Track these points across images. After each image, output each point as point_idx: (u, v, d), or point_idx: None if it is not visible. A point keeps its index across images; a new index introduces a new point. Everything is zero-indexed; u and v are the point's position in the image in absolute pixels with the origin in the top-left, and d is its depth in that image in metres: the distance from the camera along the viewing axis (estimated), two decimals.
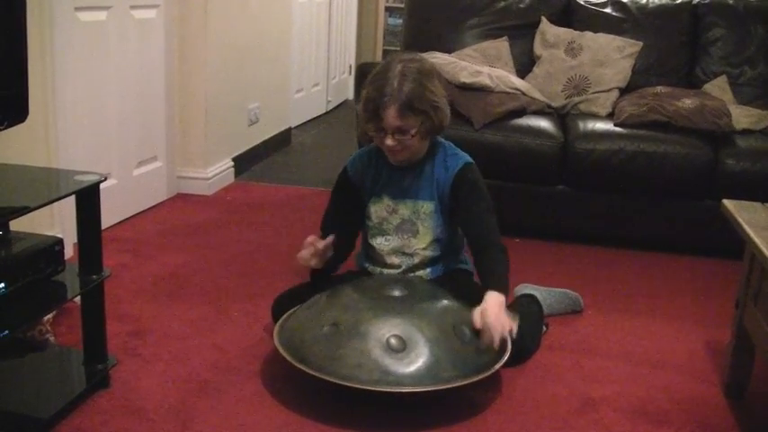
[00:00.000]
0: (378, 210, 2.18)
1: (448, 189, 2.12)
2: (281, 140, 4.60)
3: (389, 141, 2.03)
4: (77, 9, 2.70)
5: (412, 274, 2.16)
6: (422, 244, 2.16)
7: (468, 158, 2.17)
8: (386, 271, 2.18)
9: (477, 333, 1.92)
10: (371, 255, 2.22)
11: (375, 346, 1.81)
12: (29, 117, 1.78)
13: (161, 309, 2.37)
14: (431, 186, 2.14)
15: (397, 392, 1.78)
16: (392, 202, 2.17)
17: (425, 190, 2.14)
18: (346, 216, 2.23)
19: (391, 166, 2.16)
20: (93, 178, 1.80)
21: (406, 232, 2.16)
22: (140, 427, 1.76)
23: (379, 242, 2.18)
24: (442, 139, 2.19)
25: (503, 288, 1.98)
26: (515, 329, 1.95)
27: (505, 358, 1.92)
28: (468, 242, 2.16)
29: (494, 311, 1.90)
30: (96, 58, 2.84)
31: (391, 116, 1.99)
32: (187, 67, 3.44)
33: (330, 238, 2.10)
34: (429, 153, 2.14)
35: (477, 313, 1.92)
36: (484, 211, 2.11)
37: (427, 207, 2.14)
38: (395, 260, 2.17)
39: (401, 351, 1.81)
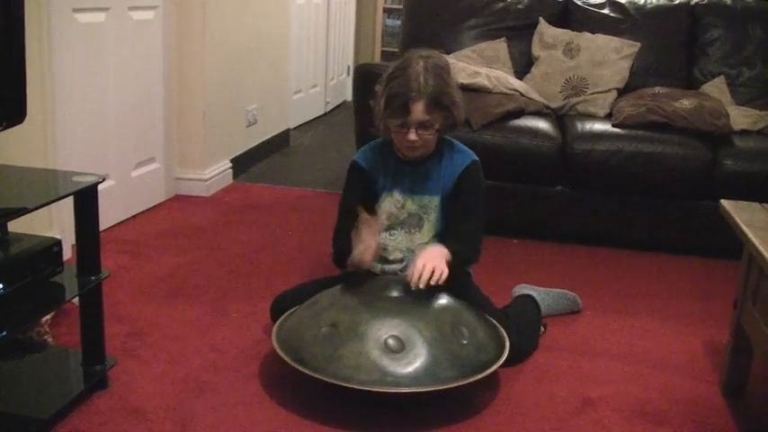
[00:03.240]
0: (387, 206, 2.18)
1: (452, 183, 2.14)
2: (280, 142, 4.60)
3: (412, 136, 2.04)
4: (75, 10, 2.70)
5: None
6: (425, 238, 2.16)
7: (475, 156, 2.19)
8: (387, 267, 2.17)
9: (473, 332, 1.92)
10: None
11: (374, 346, 1.82)
12: (27, 118, 1.78)
13: (159, 309, 2.37)
14: (438, 181, 2.15)
15: (395, 393, 1.78)
16: (401, 197, 2.17)
17: (433, 185, 2.15)
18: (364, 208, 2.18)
19: (398, 161, 2.16)
20: (91, 179, 1.80)
21: (412, 227, 2.17)
22: (139, 427, 1.76)
23: (384, 237, 2.17)
24: (449, 137, 2.20)
25: (454, 254, 2.00)
26: (443, 278, 1.93)
27: (504, 358, 1.92)
28: (447, 233, 2.15)
29: (431, 251, 1.97)
30: (94, 60, 2.84)
31: (419, 110, 2.00)
32: (185, 69, 3.44)
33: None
34: (437, 149, 2.16)
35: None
36: (476, 211, 2.14)
37: (434, 201, 2.15)
38: (397, 255, 2.17)
39: (399, 351, 1.81)
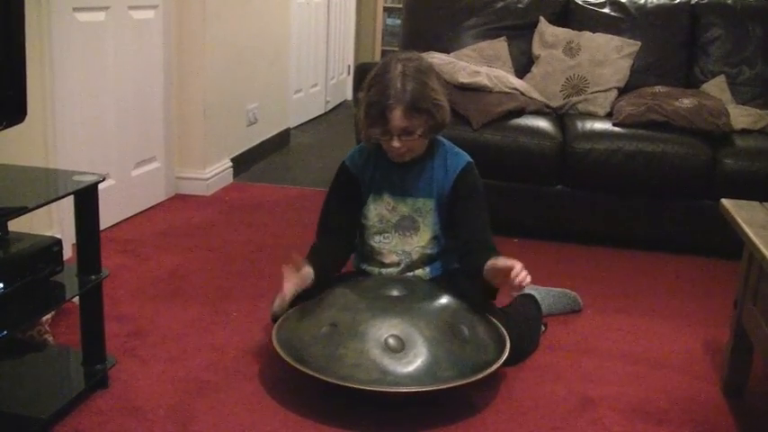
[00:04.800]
0: (377, 207, 2.16)
1: (448, 187, 2.12)
2: (280, 141, 4.60)
3: (396, 143, 2.02)
4: (76, 9, 2.70)
5: (411, 273, 2.15)
6: (422, 241, 2.15)
7: (469, 158, 2.17)
8: (384, 270, 2.17)
9: (475, 330, 1.92)
10: (369, 254, 2.19)
11: (374, 346, 1.82)
12: (27, 118, 1.78)
13: (160, 309, 2.37)
14: (431, 184, 2.13)
15: (395, 392, 1.78)
16: (392, 200, 2.15)
17: (426, 187, 2.13)
18: (349, 213, 2.18)
19: (390, 163, 2.14)
20: (91, 179, 1.80)
21: (406, 229, 2.15)
22: (139, 427, 1.76)
23: (378, 240, 2.16)
24: (441, 138, 2.18)
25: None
26: (527, 282, 1.90)
27: (504, 358, 1.92)
28: (461, 242, 2.13)
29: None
30: (95, 59, 2.84)
31: (397, 118, 1.97)
32: (185, 68, 3.44)
33: (301, 267, 2.02)
34: (428, 150, 2.13)
35: (492, 262, 1.93)
36: (481, 213, 2.13)
37: (428, 204, 2.13)
38: (394, 258, 2.16)
39: (400, 351, 1.81)
